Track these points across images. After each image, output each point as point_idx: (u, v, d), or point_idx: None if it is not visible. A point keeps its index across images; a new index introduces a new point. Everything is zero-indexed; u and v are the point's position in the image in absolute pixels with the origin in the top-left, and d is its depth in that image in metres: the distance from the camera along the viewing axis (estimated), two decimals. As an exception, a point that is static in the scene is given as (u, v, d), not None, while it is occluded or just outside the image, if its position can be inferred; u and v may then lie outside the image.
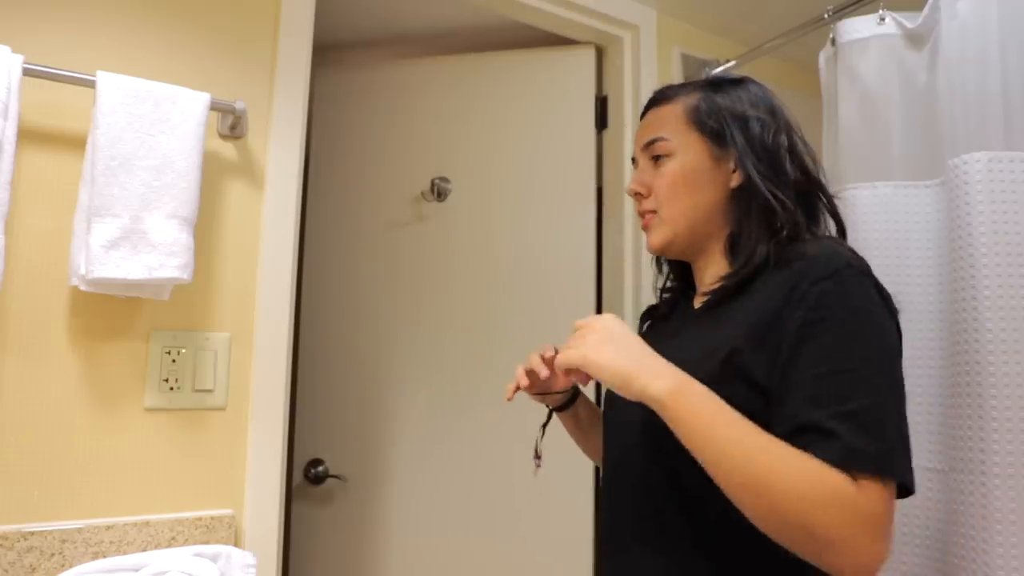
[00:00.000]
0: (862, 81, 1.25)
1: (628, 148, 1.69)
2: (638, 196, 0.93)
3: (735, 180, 0.87)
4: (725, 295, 0.84)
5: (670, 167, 0.89)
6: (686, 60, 1.77)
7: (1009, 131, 1.07)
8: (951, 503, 1.06)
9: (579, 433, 1.08)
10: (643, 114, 0.98)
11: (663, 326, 1.00)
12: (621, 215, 1.68)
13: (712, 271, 0.91)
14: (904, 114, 1.22)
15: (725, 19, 1.79)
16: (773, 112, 0.89)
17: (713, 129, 0.88)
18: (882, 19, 1.24)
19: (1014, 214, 1.04)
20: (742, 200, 0.87)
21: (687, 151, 0.89)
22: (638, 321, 1.09)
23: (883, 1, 1.25)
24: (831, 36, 1.32)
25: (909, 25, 1.23)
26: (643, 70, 1.69)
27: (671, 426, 0.71)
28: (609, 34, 1.71)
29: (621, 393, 0.74)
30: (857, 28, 1.26)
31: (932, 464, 1.11)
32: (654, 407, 0.72)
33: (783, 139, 0.87)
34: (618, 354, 0.75)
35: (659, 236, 0.91)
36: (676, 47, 1.76)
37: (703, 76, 0.97)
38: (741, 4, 1.73)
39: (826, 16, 1.33)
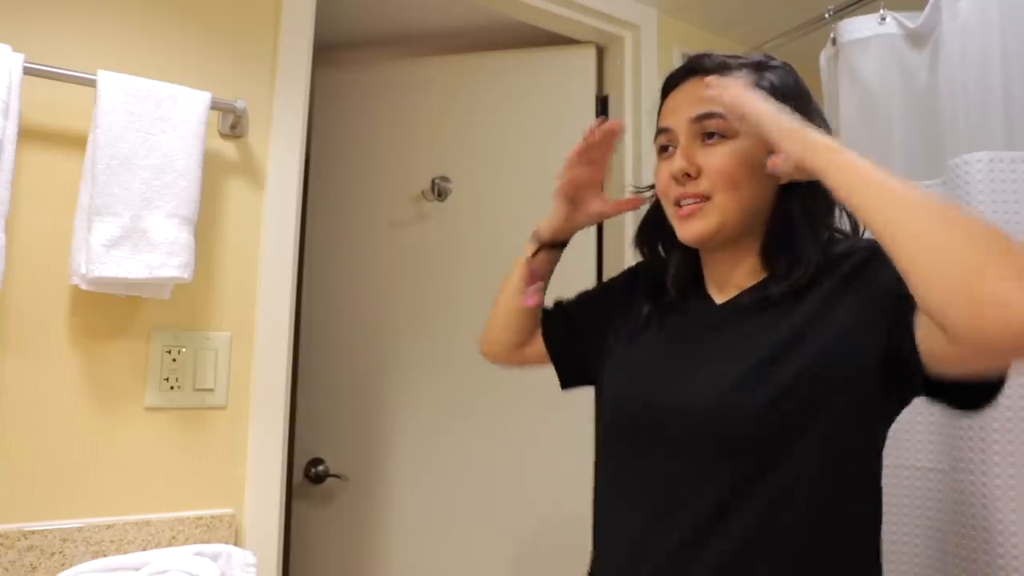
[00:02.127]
0: (863, 81, 1.25)
1: (629, 148, 1.68)
2: (686, 177, 0.81)
3: (787, 176, 0.81)
4: (781, 300, 0.78)
5: (731, 148, 0.79)
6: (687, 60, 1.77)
7: (1010, 131, 1.07)
8: (952, 503, 1.06)
9: (530, 279, 1.02)
10: (678, 81, 0.86)
11: (670, 320, 0.90)
12: (622, 215, 1.68)
13: (743, 268, 0.84)
14: (905, 114, 1.22)
15: (726, 19, 1.79)
16: (819, 108, 0.85)
17: None
18: (883, 19, 1.24)
19: (1015, 214, 1.04)
20: (795, 198, 0.81)
21: (749, 136, 0.79)
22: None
23: (884, 1, 1.25)
24: (832, 36, 1.32)
25: (910, 25, 1.23)
26: (644, 70, 1.69)
27: (835, 180, 0.66)
28: (610, 34, 1.71)
29: (782, 143, 0.71)
30: (858, 28, 1.26)
31: (932, 464, 1.11)
32: (821, 160, 0.68)
33: None
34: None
35: (707, 224, 0.80)
36: (677, 47, 1.76)
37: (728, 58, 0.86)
38: (742, 4, 1.73)
39: (827, 16, 1.33)
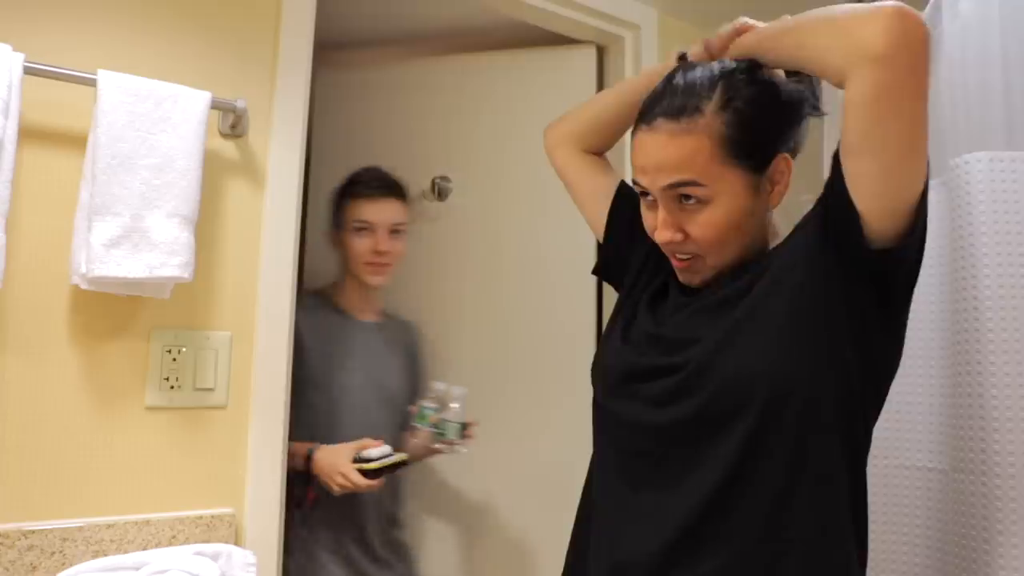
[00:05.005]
0: (863, 81, 1.25)
1: (629, 147, 1.68)
2: (671, 243, 0.82)
3: (776, 199, 0.83)
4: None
5: (711, 215, 0.79)
6: (687, 60, 1.77)
7: (1010, 131, 1.07)
8: (952, 503, 1.06)
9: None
10: (643, 122, 0.84)
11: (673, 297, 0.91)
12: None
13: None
14: (905, 114, 1.22)
15: (726, 19, 1.78)
16: (790, 107, 0.84)
17: (751, 155, 0.79)
18: (883, 19, 1.24)
19: (1015, 214, 1.04)
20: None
21: (727, 195, 0.78)
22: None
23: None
24: (832, 36, 1.31)
25: (910, 25, 1.23)
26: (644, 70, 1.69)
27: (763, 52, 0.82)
28: (611, 34, 1.71)
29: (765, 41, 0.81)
30: (858, 28, 1.26)
31: (933, 464, 1.11)
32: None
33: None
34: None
35: (704, 276, 0.84)
36: (677, 47, 1.76)
37: (702, 75, 0.85)
38: (742, 4, 1.72)
39: (827, 16, 1.32)
